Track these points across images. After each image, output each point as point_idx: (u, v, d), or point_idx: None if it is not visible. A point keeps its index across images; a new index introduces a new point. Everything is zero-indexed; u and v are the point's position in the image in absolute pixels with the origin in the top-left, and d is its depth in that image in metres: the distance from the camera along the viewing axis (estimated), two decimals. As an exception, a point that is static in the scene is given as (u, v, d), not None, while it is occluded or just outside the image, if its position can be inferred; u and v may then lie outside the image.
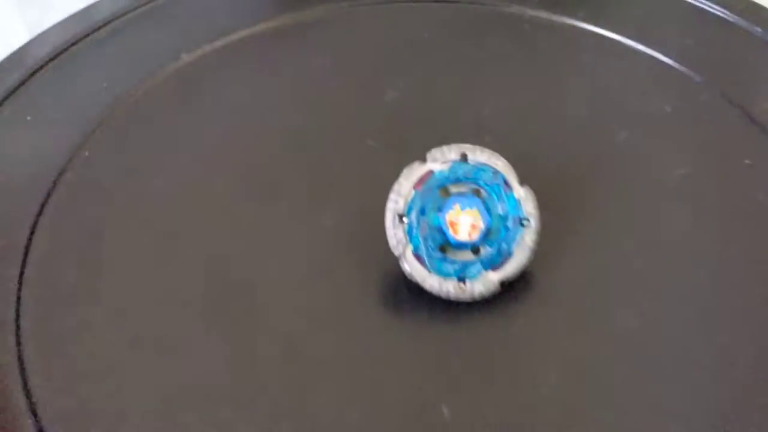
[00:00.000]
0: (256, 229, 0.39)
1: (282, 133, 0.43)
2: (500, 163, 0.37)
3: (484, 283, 0.36)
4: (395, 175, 0.36)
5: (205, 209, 0.40)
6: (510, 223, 0.36)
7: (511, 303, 0.37)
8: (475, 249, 0.37)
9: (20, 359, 0.34)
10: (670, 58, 0.48)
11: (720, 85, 0.46)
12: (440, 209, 0.36)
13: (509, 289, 0.37)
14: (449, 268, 0.36)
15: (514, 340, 0.36)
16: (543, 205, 0.37)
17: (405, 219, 0.36)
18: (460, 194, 0.37)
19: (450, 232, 0.36)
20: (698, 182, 0.41)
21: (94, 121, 0.43)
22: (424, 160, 0.37)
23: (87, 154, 0.42)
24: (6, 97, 0.44)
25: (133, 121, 0.44)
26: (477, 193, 0.37)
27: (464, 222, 0.36)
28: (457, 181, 0.37)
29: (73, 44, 0.48)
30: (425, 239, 0.36)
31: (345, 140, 0.43)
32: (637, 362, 0.35)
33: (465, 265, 0.36)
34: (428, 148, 0.37)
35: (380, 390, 0.34)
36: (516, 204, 0.36)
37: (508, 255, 0.36)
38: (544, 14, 0.51)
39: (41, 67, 0.46)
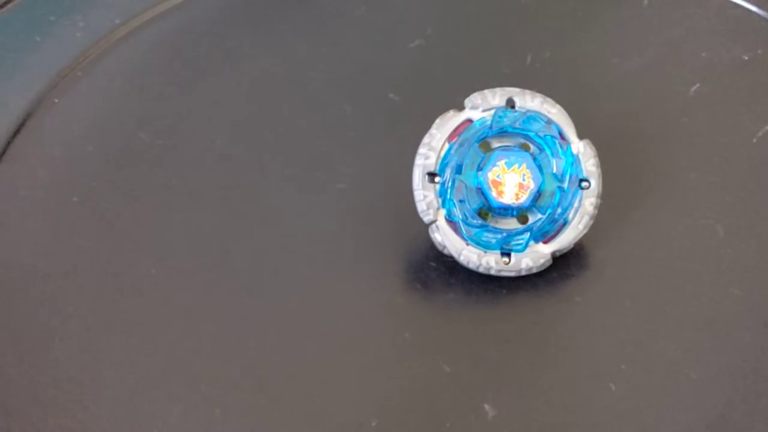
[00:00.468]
0: (260, 195, 0.34)
1: (290, 87, 0.38)
2: (555, 111, 0.30)
3: (533, 256, 0.30)
4: (421, 133, 0.31)
5: (195, 168, 0.34)
6: (566, 184, 0.30)
7: (565, 280, 0.31)
8: (522, 215, 0.31)
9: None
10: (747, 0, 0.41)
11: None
12: (480, 167, 0.30)
13: (563, 263, 0.31)
14: (491, 237, 0.30)
15: (569, 325, 0.30)
16: (602, 165, 0.31)
17: (437, 178, 0.30)
18: (505, 148, 0.30)
19: (493, 194, 0.30)
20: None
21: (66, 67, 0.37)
22: (461, 107, 0.30)
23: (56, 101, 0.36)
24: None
25: (110, 68, 0.38)
26: (526, 147, 0.30)
27: (510, 182, 0.30)
28: (502, 132, 0.30)
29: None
30: (461, 203, 0.30)
31: (363, 94, 0.37)
32: (715, 354, 0.29)
33: (510, 235, 0.30)
34: (460, 102, 0.31)
35: (407, 385, 0.29)
36: (574, 161, 0.30)
37: (563, 223, 0.30)
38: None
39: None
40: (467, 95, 0.31)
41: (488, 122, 0.30)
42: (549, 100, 0.30)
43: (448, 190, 0.30)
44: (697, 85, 0.37)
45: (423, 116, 0.31)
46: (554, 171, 0.30)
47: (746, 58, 0.38)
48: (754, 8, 0.40)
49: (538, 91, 0.31)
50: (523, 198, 0.30)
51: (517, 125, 0.30)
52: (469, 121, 0.30)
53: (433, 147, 0.30)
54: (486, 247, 0.30)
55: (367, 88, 0.37)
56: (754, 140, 0.35)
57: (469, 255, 0.30)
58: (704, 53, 0.39)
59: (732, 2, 0.41)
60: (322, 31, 0.39)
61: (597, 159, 0.30)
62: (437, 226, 0.30)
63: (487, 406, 0.28)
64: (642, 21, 0.41)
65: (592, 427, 0.28)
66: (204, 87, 0.37)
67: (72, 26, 0.38)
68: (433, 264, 0.31)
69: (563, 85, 0.37)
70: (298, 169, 0.34)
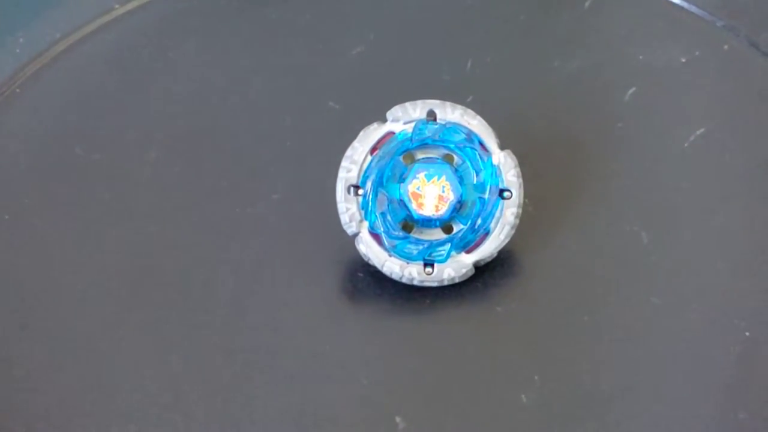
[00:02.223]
0: (194, 206, 0.34)
1: (230, 97, 0.37)
2: (475, 122, 0.31)
3: (456, 266, 0.30)
4: (357, 141, 0.31)
5: (130, 181, 0.35)
6: (487, 195, 0.30)
7: (487, 290, 0.31)
8: (446, 226, 0.31)
9: None
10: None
11: (746, 31, 0.39)
12: (402, 178, 0.30)
13: (487, 273, 0.32)
14: (413, 249, 0.30)
15: (488, 335, 0.31)
16: (532, 174, 0.31)
17: (360, 191, 0.30)
18: (426, 160, 0.31)
19: (413, 206, 0.30)
20: (717, 144, 0.35)
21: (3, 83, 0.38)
22: (384, 120, 0.31)
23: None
24: None
25: (48, 83, 0.38)
26: (449, 159, 0.31)
27: (430, 193, 0.30)
28: (424, 144, 0.31)
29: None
30: (383, 215, 0.30)
31: (303, 103, 0.37)
32: (636, 363, 0.30)
33: (432, 246, 0.31)
34: (398, 109, 0.31)
35: (328, 394, 0.29)
36: (494, 171, 0.30)
37: (485, 233, 0.30)
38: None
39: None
40: (405, 100, 0.31)
41: (409, 134, 0.31)
42: (470, 111, 0.31)
43: (370, 203, 0.30)
44: (633, 88, 0.37)
45: (363, 125, 0.31)
46: (475, 182, 0.31)
47: (683, 60, 0.38)
48: (693, 8, 0.40)
49: (478, 97, 0.32)
50: (443, 210, 0.30)
51: (437, 137, 0.30)
52: (391, 133, 0.31)
53: (354, 160, 0.31)
54: (408, 258, 0.31)
55: (307, 97, 0.37)
56: (686, 145, 0.35)
57: (392, 266, 0.31)
58: (641, 56, 0.38)
59: (672, 3, 0.40)
60: (265, 40, 0.39)
61: (518, 169, 0.31)
62: (361, 238, 0.31)
63: (398, 419, 0.28)
64: (583, 23, 0.41)
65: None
66: (142, 99, 0.37)
67: (13, 42, 0.39)
68: (361, 274, 0.32)
69: (502, 90, 0.37)
70: (233, 180, 0.34)
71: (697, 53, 0.38)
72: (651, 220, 0.33)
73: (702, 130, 0.35)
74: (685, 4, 0.40)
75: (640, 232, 0.33)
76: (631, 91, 0.37)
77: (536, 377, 0.29)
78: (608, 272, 0.32)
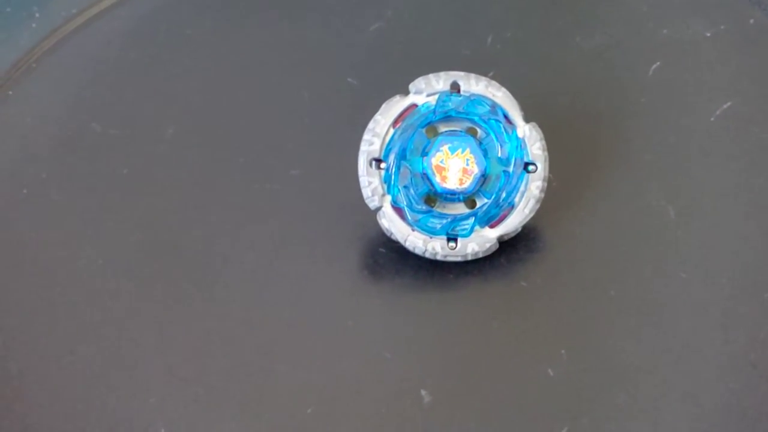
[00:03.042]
0: (212, 183, 0.33)
1: (247, 73, 0.37)
2: (500, 94, 0.30)
3: (479, 241, 0.30)
4: (376, 116, 0.30)
5: (147, 157, 0.34)
6: (512, 168, 0.30)
7: (512, 265, 0.31)
8: (469, 200, 0.30)
9: None
10: None
11: (772, 3, 0.39)
12: (425, 152, 0.30)
13: (510, 247, 0.31)
14: (436, 223, 0.30)
15: (515, 309, 0.30)
16: (555, 149, 0.31)
17: (382, 164, 0.30)
18: (449, 133, 0.30)
19: (436, 179, 0.30)
20: (743, 118, 0.35)
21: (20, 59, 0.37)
22: (407, 92, 0.30)
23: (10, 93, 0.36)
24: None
25: (64, 59, 0.38)
26: (472, 132, 0.30)
27: (454, 167, 0.30)
28: (447, 116, 0.30)
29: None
30: (406, 188, 0.30)
31: (321, 79, 0.36)
32: (664, 337, 0.29)
33: (455, 220, 0.30)
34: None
35: (351, 368, 0.29)
36: (519, 144, 0.30)
37: (509, 207, 0.30)
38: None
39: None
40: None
41: (432, 107, 0.30)
42: (494, 83, 0.30)
43: (393, 176, 0.30)
44: (658, 63, 0.36)
45: (381, 100, 0.31)
46: (500, 155, 0.30)
47: (708, 34, 0.37)
48: None
49: (498, 72, 0.31)
50: (467, 183, 0.30)
51: (461, 109, 0.30)
52: (414, 105, 0.30)
53: (377, 133, 0.30)
54: (432, 232, 0.30)
55: (326, 73, 0.37)
56: (712, 119, 0.35)
57: (415, 241, 0.30)
58: (665, 30, 0.38)
59: None
60: (282, 16, 0.39)
61: (543, 142, 0.30)
62: (383, 212, 0.30)
63: (423, 392, 0.28)
64: None
65: (528, 413, 0.28)
66: (159, 75, 0.36)
67: (28, 17, 0.38)
68: (383, 250, 0.31)
69: (523, 66, 0.37)
70: (252, 156, 0.34)
71: (722, 27, 0.38)
72: (677, 194, 0.32)
73: (728, 103, 0.35)
74: None
75: (666, 206, 0.32)
76: (655, 65, 0.36)
77: (563, 351, 0.29)
78: (634, 246, 0.31)
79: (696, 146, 0.34)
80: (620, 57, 0.37)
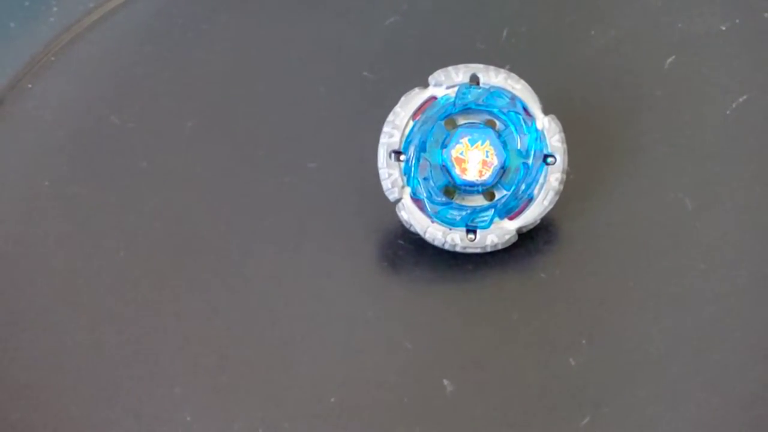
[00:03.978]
0: (230, 176, 0.34)
1: (263, 67, 0.37)
2: (519, 87, 0.30)
3: (499, 232, 0.30)
4: (393, 109, 0.30)
5: (166, 150, 0.34)
6: (531, 161, 0.30)
7: (531, 256, 0.31)
8: (488, 192, 0.31)
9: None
10: None
11: (787, -2, 0.39)
12: (445, 144, 0.30)
13: (529, 239, 0.31)
14: (455, 215, 0.30)
15: (533, 301, 0.30)
16: (571, 142, 0.31)
17: (402, 156, 0.30)
18: (469, 125, 0.30)
19: (456, 171, 0.30)
20: (760, 111, 0.35)
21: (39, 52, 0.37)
22: (426, 85, 0.30)
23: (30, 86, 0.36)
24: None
25: (83, 52, 0.38)
26: (491, 124, 0.30)
27: (474, 159, 0.30)
28: (466, 109, 0.30)
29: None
30: (426, 180, 0.30)
31: (337, 73, 0.36)
32: (683, 327, 0.29)
33: (475, 212, 0.30)
34: (435, 78, 0.31)
35: (373, 359, 0.29)
36: (538, 137, 0.30)
37: (529, 199, 0.30)
38: None
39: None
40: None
41: (452, 99, 0.30)
42: (513, 75, 0.30)
43: (413, 168, 0.30)
44: (673, 56, 0.36)
45: (397, 94, 0.31)
46: (519, 147, 0.30)
47: (723, 27, 0.37)
48: None
49: (514, 66, 0.31)
50: (487, 175, 0.30)
51: (480, 102, 0.30)
52: (434, 98, 0.30)
53: (396, 125, 0.30)
54: (451, 224, 0.30)
55: (341, 67, 0.37)
56: (728, 112, 0.35)
57: (435, 232, 0.30)
58: (681, 23, 0.38)
59: None
60: (297, 10, 0.39)
61: (562, 134, 0.30)
62: (403, 204, 0.30)
63: (446, 382, 0.28)
64: None
65: (549, 403, 0.28)
66: (177, 69, 0.36)
67: (46, 11, 0.38)
68: (402, 242, 0.31)
69: (539, 59, 0.37)
70: (269, 150, 0.34)
71: (737, 21, 0.37)
72: (694, 187, 0.32)
73: (744, 97, 0.35)
74: None
75: (684, 198, 0.32)
76: (670, 59, 0.36)
77: (583, 341, 0.29)
78: (653, 239, 0.31)
79: (712, 139, 0.34)
80: (635, 50, 0.37)
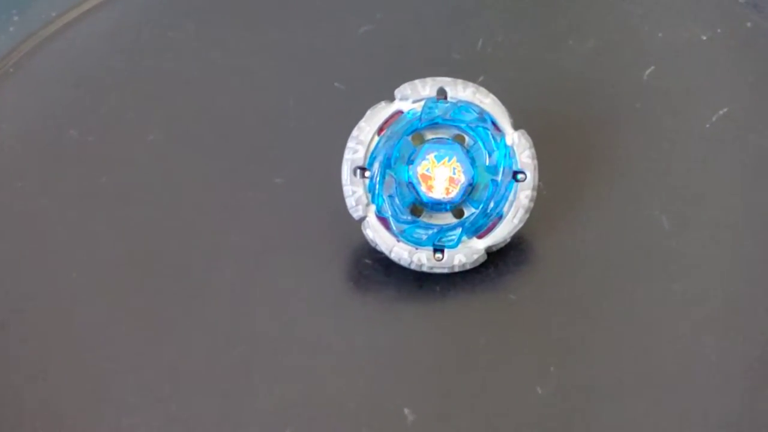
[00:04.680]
0: (193, 191, 0.32)
1: (232, 78, 0.36)
2: (488, 101, 0.29)
3: (467, 252, 0.29)
4: (363, 122, 0.29)
5: (126, 165, 0.33)
6: (500, 177, 0.29)
7: (500, 277, 0.30)
8: (457, 210, 0.29)
9: None
10: None
11: (770, 7, 0.38)
12: (411, 160, 0.29)
13: (498, 259, 0.30)
14: (422, 234, 0.29)
15: (500, 324, 0.29)
16: (546, 156, 0.30)
17: (367, 173, 0.29)
18: (436, 141, 0.29)
19: (422, 189, 0.29)
20: (740, 124, 0.34)
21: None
22: (392, 98, 0.29)
23: None
24: None
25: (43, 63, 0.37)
26: (460, 139, 0.29)
27: (440, 175, 0.29)
28: (433, 124, 0.29)
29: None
30: (391, 198, 0.29)
31: (307, 84, 0.35)
32: (656, 352, 0.28)
33: (442, 230, 0.29)
34: (406, 89, 0.29)
35: (333, 384, 0.28)
36: (507, 152, 0.29)
37: (498, 217, 0.29)
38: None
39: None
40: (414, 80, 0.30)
41: (418, 114, 0.29)
42: (482, 89, 0.29)
43: (377, 185, 0.29)
44: (652, 67, 0.35)
45: (369, 106, 0.30)
46: (487, 163, 0.29)
47: (704, 37, 0.36)
48: None
49: (489, 76, 0.31)
50: (454, 192, 0.29)
51: (447, 116, 0.29)
52: (400, 112, 0.29)
53: (361, 140, 0.29)
54: (417, 243, 0.29)
55: (312, 78, 0.36)
56: (707, 126, 0.34)
57: (401, 252, 0.29)
58: (661, 33, 0.37)
59: None
60: (268, 19, 0.38)
61: (533, 150, 0.29)
62: (368, 223, 0.29)
63: (407, 410, 0.27)
64: (596, 2, 0.39)
65: (515, 432, 0.27)
66: (138, 81, 0.35)
67: (6, 20, 0.37)
68: (368, 261, 0.30)
69: (515, 70, 0.36)
70: (234, 164, 0.33)
71: (718, 30, 0.37)
72: (672, 204, 0.31)
73: (724, 110, 0.34)
74: None
75: (660, 216, 0.31)
76: (649, 70, 0.35)
77: (552, 368, 0.28)
78: (627, 258, 0.30)
79: (691, 154, 0.33)
80: (615, 60, 0.36)
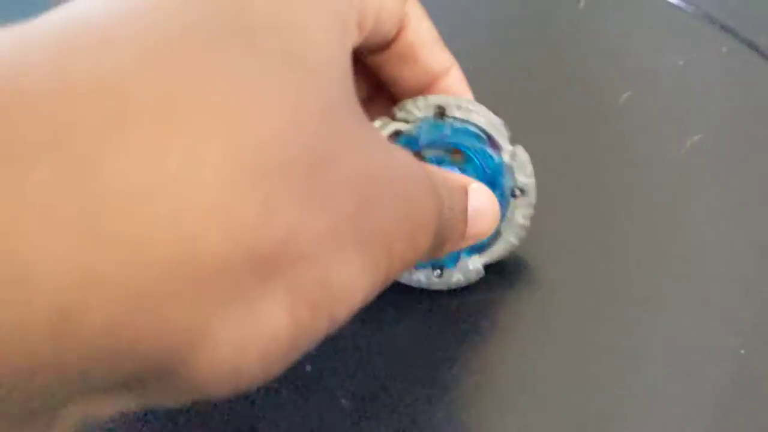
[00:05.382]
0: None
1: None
2: (483, 120, 0.29)
3: (465, 269, 0.29)
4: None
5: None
6: (497, 195, 0.29)
7: (497, 292, 0.30)
8: (452, 228, 0.29)
9: None
10: (684, 0, 0.40)
11: (745, 33, 0.38)
12: (407, 180, 0.29)
13: (494, 275, 0.30)
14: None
15: (500, 339, 0.29)
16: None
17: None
18: (433, 158, 0.29)
19: (419, 208, 0.28)
20: (716, 150, 0.34)
21: None
22: (392, 115, 0.29)
23: None
24: None
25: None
26: (455, 153, 0.29)
27: (436, 194, 0.28)
28: (433, 143, 0.29)
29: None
30: (389, 217, 0.29)
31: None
32: (637, 389, 0.28)
33: (441, 249, 0.29)
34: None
35: (330, 402, 0.27)
36: (505, 170, 0.29)
37: (495, 234, 0.29)
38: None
39: None
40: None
41: (415, 135, 0.29)
42: (479, 106, 0.29)
43: (375, 205, 0.29)
44: (629, 92, 0.36)
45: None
46: (485, 181, 0.29)
47: (681, 62, 0.37)
48: (691, 9, 0.39)
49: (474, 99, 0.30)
50: (451, 211, 0.29)
51: (446, 137, 0.29)
52: (398, 133, 0.29)
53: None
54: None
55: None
56: (682, 151, 0.34)
57: None
58: (638, 58, 0.37)
59: (669, 3, 0.39)
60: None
61: (531, 167, 0.29)
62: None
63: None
64: (578, 24, 0.39)
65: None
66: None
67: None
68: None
69: (494, 94, 0.35)
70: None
71: (695, 55, 0.37)
72: (646, 229, 0.32)
73: (699, 136, 0.34)
74: (683, 5, 0.39)
75: (637, 241, 0.31)
76: (626, 95, 0.36)
77: (547, 386, 0.28)
78: (603, 287, 0.30)
79: (665, 178, 0.33)
80: (590, 86, 0.37)
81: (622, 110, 0.36)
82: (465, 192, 0.26)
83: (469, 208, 0.26)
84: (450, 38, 0.36)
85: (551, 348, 0.29)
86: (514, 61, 0.38)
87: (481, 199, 0.26)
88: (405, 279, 0.29)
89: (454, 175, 0.26)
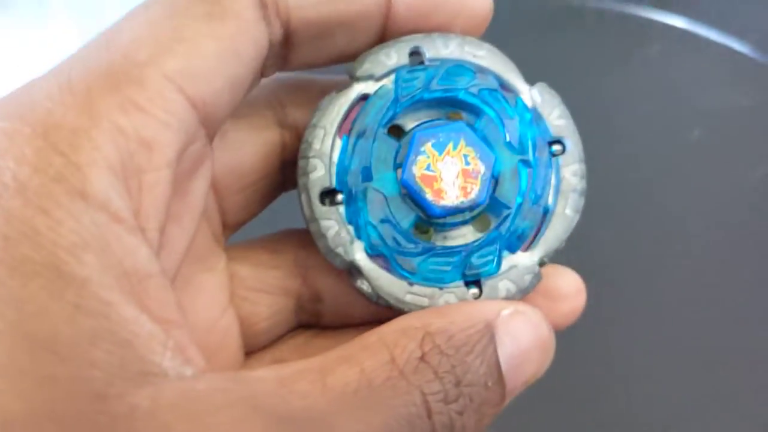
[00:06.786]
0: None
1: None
2: (483, 53, 0.20)
3: (514, 275, 0.19)
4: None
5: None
6: (531, 155, 0.20)
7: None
8: (480, 218, 0.20)
9: None
10: (748, 46, 0.39)
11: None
12: (399, 161, 0.19)
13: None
14: (443, 265, 0.19)
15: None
16: (604, 216, 0.28)
17: (338, 196, 0.19)
18: (427, 125, 0.20)
19: (428, 196, 0.19)
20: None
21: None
22: (349, 80, 0.20)
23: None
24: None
25: None
26: (456, 117, 0.20)
27: (449, 171, 0.19)
28: (416, 102, 0.20)
29: None
30: (385, 223, 0.19)
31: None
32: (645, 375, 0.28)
33: (470, 252, 0.19)
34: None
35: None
36: (532, 117, 0.20)
37: (544, 212, 0.20)
38: (608, 3, 0.42)
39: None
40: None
41: (391, 93, 0.20)
42: (471, 39, 0.20)
43: (359, 211, 0.19)
44: (698, 130, 0.36)
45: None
46: (508, 139, 0.20)
47: (747, 104, 0.37)
48: (755, 56, 0.39)
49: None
50: (475, 190, 0.19)
51: (434, 86, 0.20)
52: (364, 97, 0.20)
53: (317, 151, 0.20)
54: (440, 281, 0.19)
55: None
56: (752, 184, 0.34)
57: (419, 299, 0.19)
58: (707, 99, 0.37)
59: (734, 50, 0.39)
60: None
61: (563, 107, 0.20)
62: (359, 269, 0.19)
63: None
64: (651, 69, 0.39)
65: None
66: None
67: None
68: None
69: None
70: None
71: (760, 98, 0.38)
72: (715, 259, 0.32)
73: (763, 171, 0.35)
74: (746, 51, 0.39)
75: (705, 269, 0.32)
76: (696, 133, 0.36)
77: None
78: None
79: (735, 210, 0.34)
80: (662, 125, 0.36)
81: (692, 147, 0.37)
82: (490, 338, 0.17)
83: (501, 357, 0.17)
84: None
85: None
86: (599, 102, 0.37)
87: (518, 332, 0.17)
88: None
89: (463, 319, 0.17)
